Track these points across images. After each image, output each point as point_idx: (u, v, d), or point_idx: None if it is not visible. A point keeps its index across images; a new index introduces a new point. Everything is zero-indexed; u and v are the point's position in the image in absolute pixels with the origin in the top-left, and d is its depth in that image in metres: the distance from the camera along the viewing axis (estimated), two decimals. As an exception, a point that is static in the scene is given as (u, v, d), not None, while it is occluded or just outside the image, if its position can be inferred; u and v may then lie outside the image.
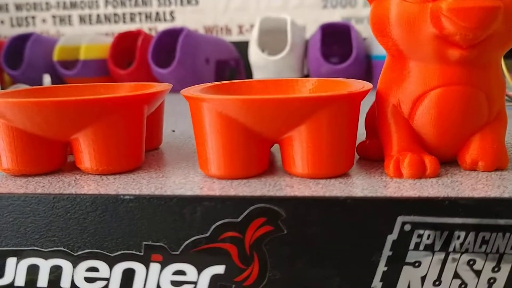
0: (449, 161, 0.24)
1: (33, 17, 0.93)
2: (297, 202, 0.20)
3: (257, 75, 0.71)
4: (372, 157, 0.25)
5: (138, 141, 0.25)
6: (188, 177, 0.23)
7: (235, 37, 0.89)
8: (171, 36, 0.68)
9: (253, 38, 0.69)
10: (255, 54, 0.68)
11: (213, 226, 0.20)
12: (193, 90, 0.24)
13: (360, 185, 0.21)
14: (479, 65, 0.21)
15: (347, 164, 0.23)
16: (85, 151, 0.24)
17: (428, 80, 0.22)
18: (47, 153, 0.24)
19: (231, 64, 0.77)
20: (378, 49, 0.61)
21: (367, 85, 0.23)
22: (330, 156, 0.22)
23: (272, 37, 0.72)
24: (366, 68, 0.66)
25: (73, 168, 0.25)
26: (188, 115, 0.23)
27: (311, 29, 0.79)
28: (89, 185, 0.22)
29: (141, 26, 0.91)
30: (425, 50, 0.21)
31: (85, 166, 0.24)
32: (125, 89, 0.30)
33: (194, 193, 0.21)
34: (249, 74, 0.74)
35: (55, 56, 0.70)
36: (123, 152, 0.24)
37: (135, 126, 0.24)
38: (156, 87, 0.27)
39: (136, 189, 0.21)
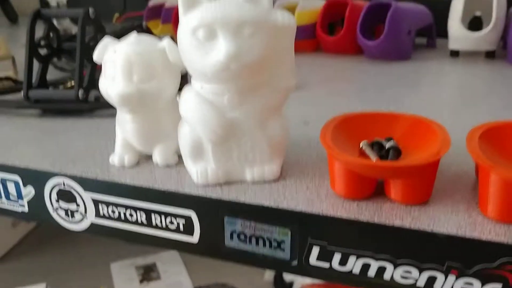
0: None
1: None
2: None
3: (454, 45, 0.76)
4: None
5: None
6: (463, 213, 0.34)
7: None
8: (377, 8, 0.75)
9: (456, 13, 0.74)
10: (456, 29, 0.73)
11: (499, 260, 0.31)
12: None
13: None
14: None
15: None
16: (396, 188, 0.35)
17: None
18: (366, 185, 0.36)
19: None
20: None
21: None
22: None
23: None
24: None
25: (381, 194, 0.37)
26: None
27: None
28: (402, 217, 0.34)
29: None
30: None
31: (394, 197, 0.36)
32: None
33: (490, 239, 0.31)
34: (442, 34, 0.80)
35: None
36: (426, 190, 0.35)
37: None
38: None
39: (437, 225, 0.33)
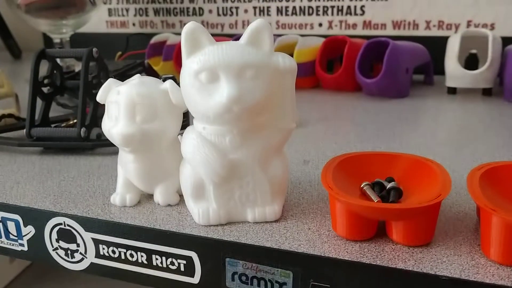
0: None
1: (236, 8, 1.07)
2: None
3: (451, 82, 0.77)
4: None
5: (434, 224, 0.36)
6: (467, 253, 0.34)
7: (421, 31, 0.94)
8: (375, 47, 0.76)
9: (452, 51, 0.75)
10: (453, 67, 0.74)
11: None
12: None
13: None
14: None
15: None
16: (398, 229, 0.35)
17: None
18: (368, 226, 0.36)
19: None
20: None
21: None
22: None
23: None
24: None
25: (383, 235, 0.37)
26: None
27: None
28: (408, 260, 0.34)
29: (333, 18, 1.00)
30: None
31: (395, 238, 0.35)
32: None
33: (493, 282, 0.31)
34: (439, 71, 0.81)
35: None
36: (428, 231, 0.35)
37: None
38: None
39: (441, 268, 0.33)
